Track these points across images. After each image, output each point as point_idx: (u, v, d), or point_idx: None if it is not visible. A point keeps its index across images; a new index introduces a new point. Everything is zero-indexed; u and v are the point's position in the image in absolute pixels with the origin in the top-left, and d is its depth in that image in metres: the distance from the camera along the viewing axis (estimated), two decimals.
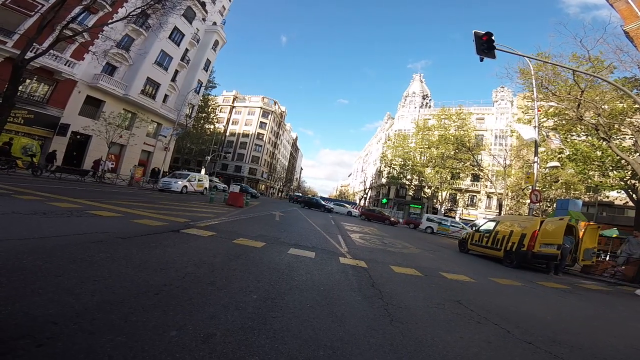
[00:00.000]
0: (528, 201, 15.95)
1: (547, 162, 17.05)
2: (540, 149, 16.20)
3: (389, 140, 55.24)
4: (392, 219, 30.97)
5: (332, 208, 34.41)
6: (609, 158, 14.41)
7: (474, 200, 46.97)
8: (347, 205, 39.86)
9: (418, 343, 2.50)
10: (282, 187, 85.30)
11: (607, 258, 11.82)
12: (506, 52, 9.87)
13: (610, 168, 15.17)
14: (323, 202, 35.08)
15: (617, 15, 13.86)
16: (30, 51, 13.87)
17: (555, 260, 9.29)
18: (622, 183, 15.47)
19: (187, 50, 30.55)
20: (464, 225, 26.37)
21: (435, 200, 44.98)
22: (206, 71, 35.06)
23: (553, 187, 27.38)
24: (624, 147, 14.60)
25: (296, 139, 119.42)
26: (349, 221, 21.59)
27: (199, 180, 23.32)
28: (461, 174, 41.63)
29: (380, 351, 2.24)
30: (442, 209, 45.30)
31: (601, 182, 16.23)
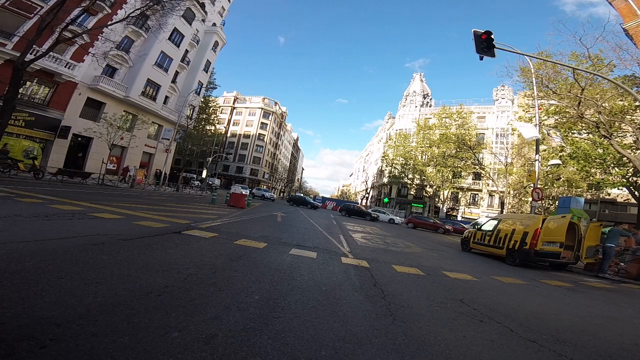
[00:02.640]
0: (530, 199, 15.92)
1: (548, 160, 17.02)
2: (542, 147, 16.19)
3: (390, 139, 55.18)
4: (447, 227, 27.91)
5: (378, 216, 30.35)
6: (610, 155, 14.40)
7: (476, 199, 46.93)
8: (386, 211, 36.98)
9: (420, 342, 2.49)
10: (283, 187, 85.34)
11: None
12: (506, 50, 9.85)
13: (612, 165, 15.16)
14: (366, 210, 31.34)
15: (616, 13, 13.82)
16: (30, 53, 13.89)
17: (558, 259, 9.27)
18: (624, 180, 15.46)
19: (187, 51, 30.58)
20: None
21: (437, 200, 44.91)
22: (206, 72, 35.08)
23: (555, 185, 27.32)
24: (625, 144, 14.57)
25: (297, 139, 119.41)
26: (351, 221, 21.56)
27: None
28: (463, 173, 41.58)
29: (383, 351, 2.24)
30: (444, 208, 45.25)
31: (603, 179, 16.21)
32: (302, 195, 44.89)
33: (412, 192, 51.20)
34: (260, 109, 72.40)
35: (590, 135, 15.80)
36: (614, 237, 9.73)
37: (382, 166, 57.41)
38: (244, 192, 18.43)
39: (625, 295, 7.11)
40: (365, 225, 18.69)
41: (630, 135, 14.91)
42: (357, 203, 40.23)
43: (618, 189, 17.71)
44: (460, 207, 46.74)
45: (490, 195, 45.02)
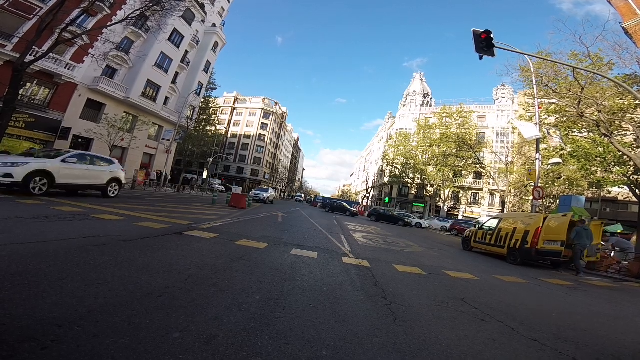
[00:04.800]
0: (531, 198, 15.90)
1: (549, 159, 17.00)
2: (542, 146, 16.17)
3: (390, 139, 55.18)
4: None
5: (411, 222, 28.86)
6: (611, 154, 14.34)
7: (477, 198, 46.91)
8: (412, 215, 35.28)
9: (422, 342, 2.49)
10: (284, 188, 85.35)
11: (613, 254, 11.76)
12: (506, 50, 9.84)
13: (613, 164, 15.10)
14: (399, 215, 29.24)
15: (615, 12, 13.77)
16: (30, 54, 13.88)
17: (559, 257, 9.26)
18: (625, 178, 15.42)
19: (187, 52, 30.57)
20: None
21: (437, 199, 44.90)
22: (206, 73, 35.07)
23: (556, 184, 27.27)
24: (625, 142, 14.53)
25: (297, 139, 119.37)
26: (352, 221, 21.55)
27: None
28: (463, 172, 41.55)
29: (384, 350, 2.23)
30: (445, 207, 45.22)
31: (603, 178, 16.18)
32: (339, 200, 42.51)
33: (412, 192, 51.17)
34: (261, 110, 72.34)
35: (591, 134, 15.76)
36: (581, 237, 9.00)
37: (382, 166, 57.34)
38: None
39: (627, 294, 7.10)
40: (366, 225, 18.68)
41: (631, 134, 14.87)
42: (357, 204, 39.55)
43: (619, 187, 17.66)
44: (461, 207, 46.70)
45: (491, 194, 44.99)
